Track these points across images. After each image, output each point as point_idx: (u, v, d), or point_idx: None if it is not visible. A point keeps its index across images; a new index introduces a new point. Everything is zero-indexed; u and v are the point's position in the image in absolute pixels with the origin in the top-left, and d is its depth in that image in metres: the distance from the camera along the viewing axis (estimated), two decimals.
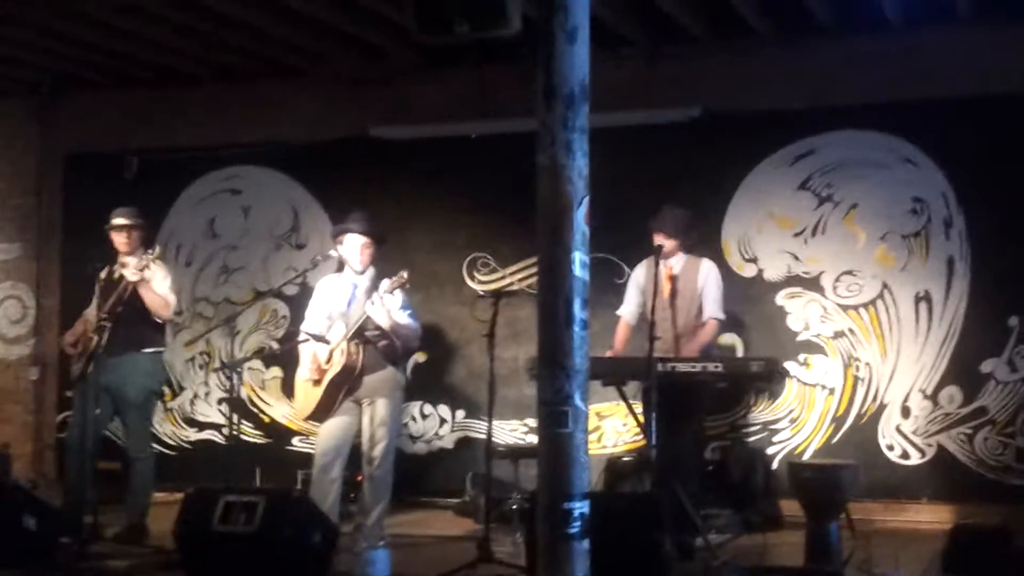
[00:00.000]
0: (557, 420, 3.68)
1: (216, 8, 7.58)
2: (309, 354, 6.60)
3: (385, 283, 6.38)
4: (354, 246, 6.65)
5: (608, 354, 6.95)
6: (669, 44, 8.18)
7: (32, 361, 9.69)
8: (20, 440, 9.51)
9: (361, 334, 6.44)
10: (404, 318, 6.59)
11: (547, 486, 3.70)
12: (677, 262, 7.03)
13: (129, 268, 6.81)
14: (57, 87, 9.58)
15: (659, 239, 6.87)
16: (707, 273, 7.06)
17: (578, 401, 3.70)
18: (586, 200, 3.75)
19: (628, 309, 7.19)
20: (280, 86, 9.14)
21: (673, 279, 6.97)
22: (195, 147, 9.27)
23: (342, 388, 6.43)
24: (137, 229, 7.12)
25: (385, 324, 6.44)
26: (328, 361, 6.47)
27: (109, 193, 8.40)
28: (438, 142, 8.70)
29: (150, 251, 6.91)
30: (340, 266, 6.90)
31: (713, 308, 7.00)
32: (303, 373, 6.62)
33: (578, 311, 3.72)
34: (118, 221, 7.10)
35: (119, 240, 7.09)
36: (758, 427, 8.04)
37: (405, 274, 6.36)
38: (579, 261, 3.73)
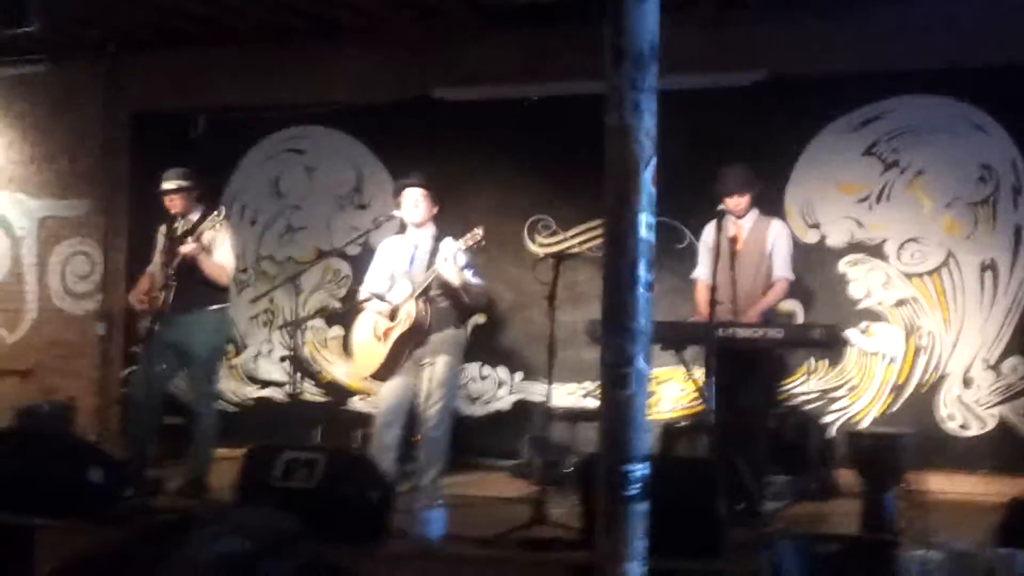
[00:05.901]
0: (619, 382, 3.67)
1: None
2: (371, 313, 6.65)
3: (453, 242, 6.39)
4: (412, 200, 6.67)
5: (694, 319, 6.94)
6: (735, 7, 8.10)
7: (99, 316, 9.83)
8: (86, 394, 9.67)
9: (426, 292, 6.47)
10: (471, 277, 6.61)
11: (607, 448, 3.70)
12: (747, 221, 6.97)
13: (187, 244, 6.87)
14: (123, 47, 9.67)
15: (729, 202, 6.82)
16: (777, 233, 6.99)
17: (641, 363, 3.69)
18: (653, 161, 3.73)
19: (703, 270, 7.14)
20: (344, 47, 9.16)
21: (737, 241, 6.92)
22: (260, 107, 9.32)
23: (408, 346, 6.47)
24: (186, 191, 7.16)
25: (456, 282, 6.45)
26: (393, 319, 6.50)
27: (175, 151, 8.50)
28: (500, 104, 8.70)
29: (215, 213, 6.97)
30: (402, 227, 6.93)
31: (782, 269, 6.94)
32: (364, 332, 6.66)
33: (643, 273, 3.70)
34: (166, 186, 7.16)
35: (170, 202, 7.16)
36: (816, 395, 8.00)
37: (479, 232, 6.35)
38: (645, 223, 3.71)
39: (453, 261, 6.38)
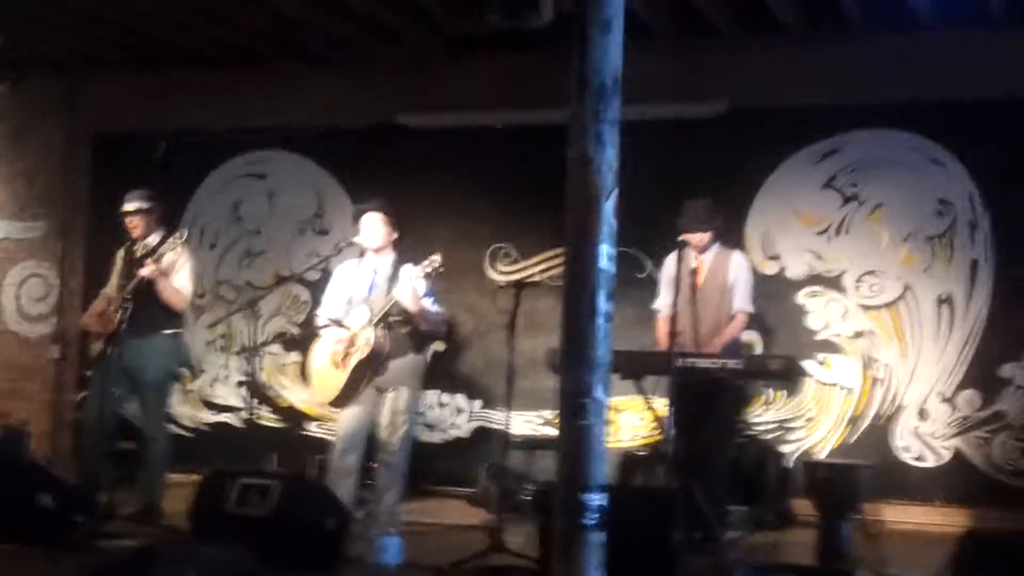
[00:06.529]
0: (578, 411, 3.67)
1: None
2: (329, 340, 6.59)
3: (412, 267, 6.35)
4: (370, 225, 6.62)
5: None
6: (697, 38, 8.16)
7: (54, 339, 9.73)
8: (39, 418, 9.55)
9: (386, 319, 6.42)
10: (429, 304, 6.55)
11: (566, 477, 3.69)
12: (708, 255, 6.96)
13: (146, 266, 6.82)
14: (85, 67, 9.62)
15: (691, 238, 6.81)
16: (738, 266, 6.99)
17: (599, 393, 3.69)
18: (615, 192, 3.74)
19: (664, 302, 7.11)
20: (308, 72, 9.15)
21: (698, 274, 6.92)
22: (222, 130, 9.29)
23: (367, 372, 6.41)
24: (147, 213, 7.11)
25: (413, 309, 6.40)
26: (352, 346, 6.45)
27: (136, 174, 8.45)
28: (464, 131, 8.72)
29: (176, 235, 6.91)
30: (362, 253, 6.89)
31: (741, 302, 6.91)
32: (322, 358, 6.60)
33: (602, 303, 3.70)
34: (127, 207, 7.11)
35: (131, 224, 7.11)
36: (774, 426, 8.03)
37: (437, 258, 6.31)
38: (605, 254, 3.72)
39: (411, 287, 6.33)
